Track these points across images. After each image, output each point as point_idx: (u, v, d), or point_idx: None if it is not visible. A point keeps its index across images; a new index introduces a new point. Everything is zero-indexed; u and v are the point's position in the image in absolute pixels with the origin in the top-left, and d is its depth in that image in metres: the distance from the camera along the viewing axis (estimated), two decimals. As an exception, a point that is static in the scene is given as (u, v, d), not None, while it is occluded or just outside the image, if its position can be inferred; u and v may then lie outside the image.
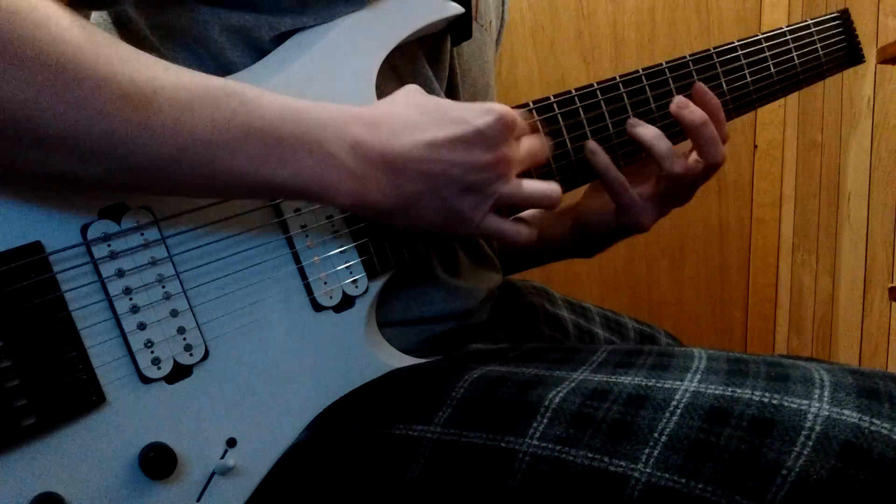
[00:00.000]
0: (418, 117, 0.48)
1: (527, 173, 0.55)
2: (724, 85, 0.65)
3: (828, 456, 0.38)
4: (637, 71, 0.62)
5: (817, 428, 0.40)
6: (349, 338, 0.53)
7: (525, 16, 1.72)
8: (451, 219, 0.50)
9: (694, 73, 0.64)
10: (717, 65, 0.65)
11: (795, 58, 0.70)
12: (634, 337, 0.81)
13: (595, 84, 0.60)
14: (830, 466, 0.38)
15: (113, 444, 0.44)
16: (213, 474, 0.48)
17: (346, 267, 0.53)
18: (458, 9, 0.58)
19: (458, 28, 0.61)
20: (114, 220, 0.45)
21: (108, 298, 0.45)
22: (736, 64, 0.66)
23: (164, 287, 0.46)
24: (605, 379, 0.47)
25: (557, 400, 0.45)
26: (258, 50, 0.53)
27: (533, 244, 0.55)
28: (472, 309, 0.62)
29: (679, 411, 0.42)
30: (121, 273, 0.45)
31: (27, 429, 0.41)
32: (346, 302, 0.53)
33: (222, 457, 0.48)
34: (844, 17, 0.73)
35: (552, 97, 0.58)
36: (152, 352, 0.46)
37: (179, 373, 0.47)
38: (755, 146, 1.83)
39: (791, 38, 0.69)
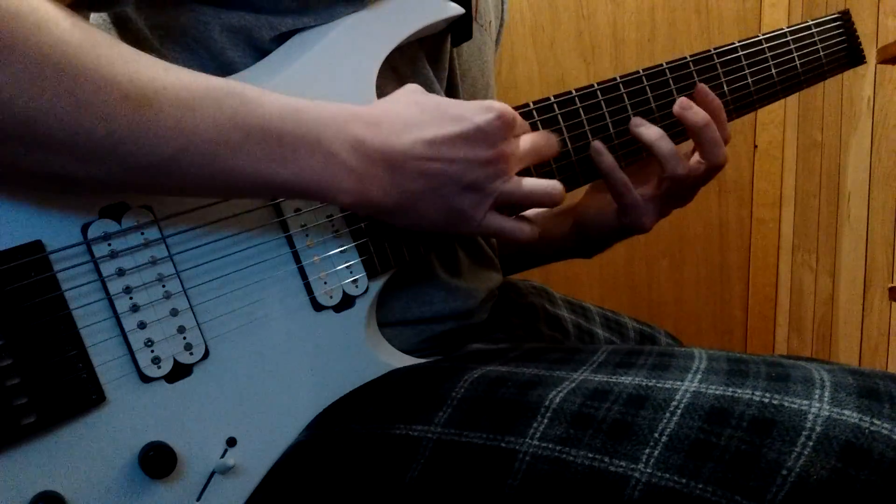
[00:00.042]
0: (419, 115, 0.48)
1: (528, 173, 0.55)
2: (724, 86, 0.65)
3: (828, 456, 0.38)
4: (637, 71, 0.62)
5: (818, 428, 0.40)
6: (349, 337, 0.53)
7: (525, 16, 1.72)
8: (453, 217, 0.50)
9: (694, 74, 0.64)
10: (718, 65, 0.65)
11: (796, 58, 0.69)
12: (634, 337, 0.81)
13: (595, 84, 0.60)
14: (831, 467, 0.38)
15: (113, 442, 0.45)
16: (212, 474, 0.48)
17: (347, 266, 0.53)
18: (458, 9, 0.58)
19: (459, 28, 0.61)
20: (114, 220, 0.45)
21: (108, 297, 0.45)
22: (737, 65, 0.66)
23: (164, 286, 0.46)
24: (605, 379, 0.47)
25: (558, 400, 0.45)
26: (258, 50, 0.53)
27: (534, 243, 0.55)
28: (473, 309, 0.62)
29: (679, 411, 0.42)
30: (121, 272, 0.45)
31: (27, 427, 0.41)
32: (347, 301, 0.53)
33: (222, 456, 0.48)
34: (845, 17, 0.73)
35: (552, 97, 0.58)
36: (152, 351, 0.46)
37: (179, 372, 0.47)
38: (755, 146, 1.83)
39: (792, 39, 0.69)
